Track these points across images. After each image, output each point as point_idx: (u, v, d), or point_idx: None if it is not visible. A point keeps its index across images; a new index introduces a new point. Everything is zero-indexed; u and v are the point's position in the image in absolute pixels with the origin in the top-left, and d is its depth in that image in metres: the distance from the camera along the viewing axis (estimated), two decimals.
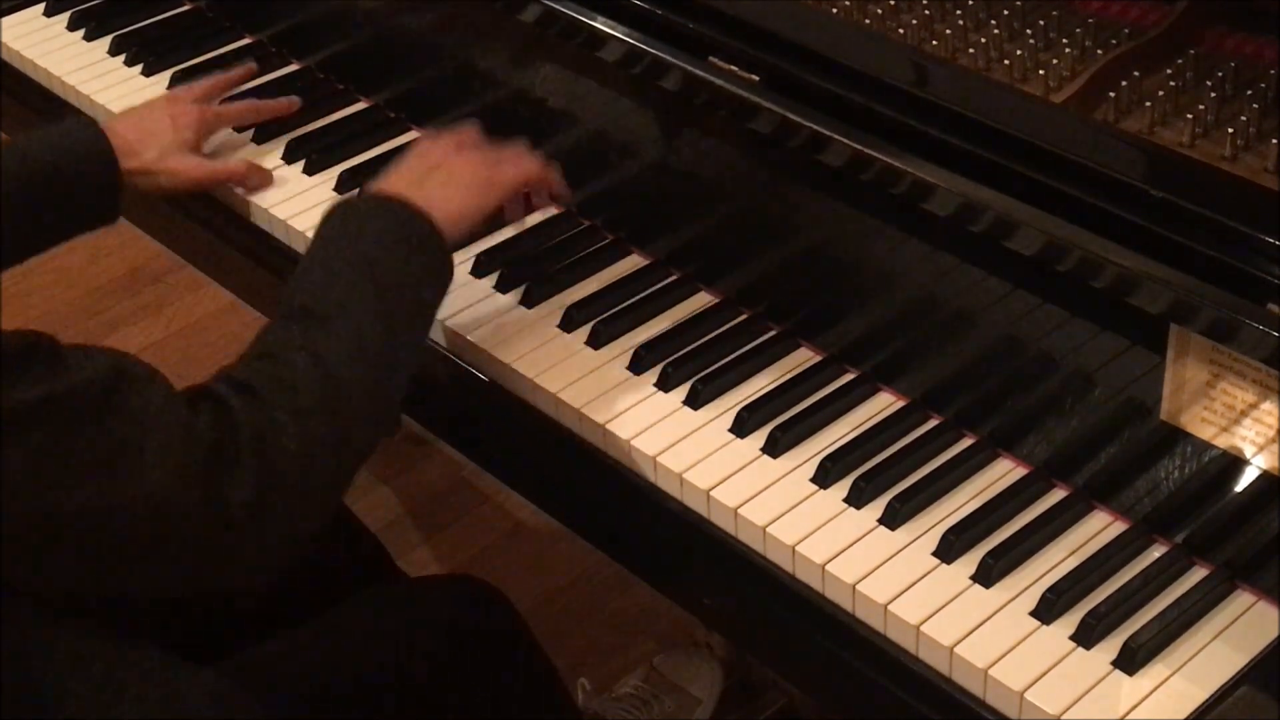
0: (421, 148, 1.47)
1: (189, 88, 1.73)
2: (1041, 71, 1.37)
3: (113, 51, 1.91)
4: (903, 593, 1.23)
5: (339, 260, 1.31)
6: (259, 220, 1.66)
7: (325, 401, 1.21)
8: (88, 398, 1.11)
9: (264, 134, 1.75)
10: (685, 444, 1.36)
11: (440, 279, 1.37)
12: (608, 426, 1.38)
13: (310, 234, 1.58)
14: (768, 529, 1.28)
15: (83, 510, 1.10)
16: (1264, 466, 1.20)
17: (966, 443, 1.35)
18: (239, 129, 1.75)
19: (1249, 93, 1.32)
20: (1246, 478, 1.21)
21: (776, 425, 1.36)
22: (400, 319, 1.30)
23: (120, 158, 1.56)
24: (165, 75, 1.85)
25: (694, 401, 1.40)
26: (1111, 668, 1.17)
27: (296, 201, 1.66)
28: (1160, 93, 1.33)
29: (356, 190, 1.46)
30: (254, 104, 1.77)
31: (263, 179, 1.69)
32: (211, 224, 1.72)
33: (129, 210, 1.62)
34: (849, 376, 1.42)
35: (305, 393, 1.20)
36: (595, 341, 1.47)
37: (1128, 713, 1.14)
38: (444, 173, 1.43)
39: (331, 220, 1.36)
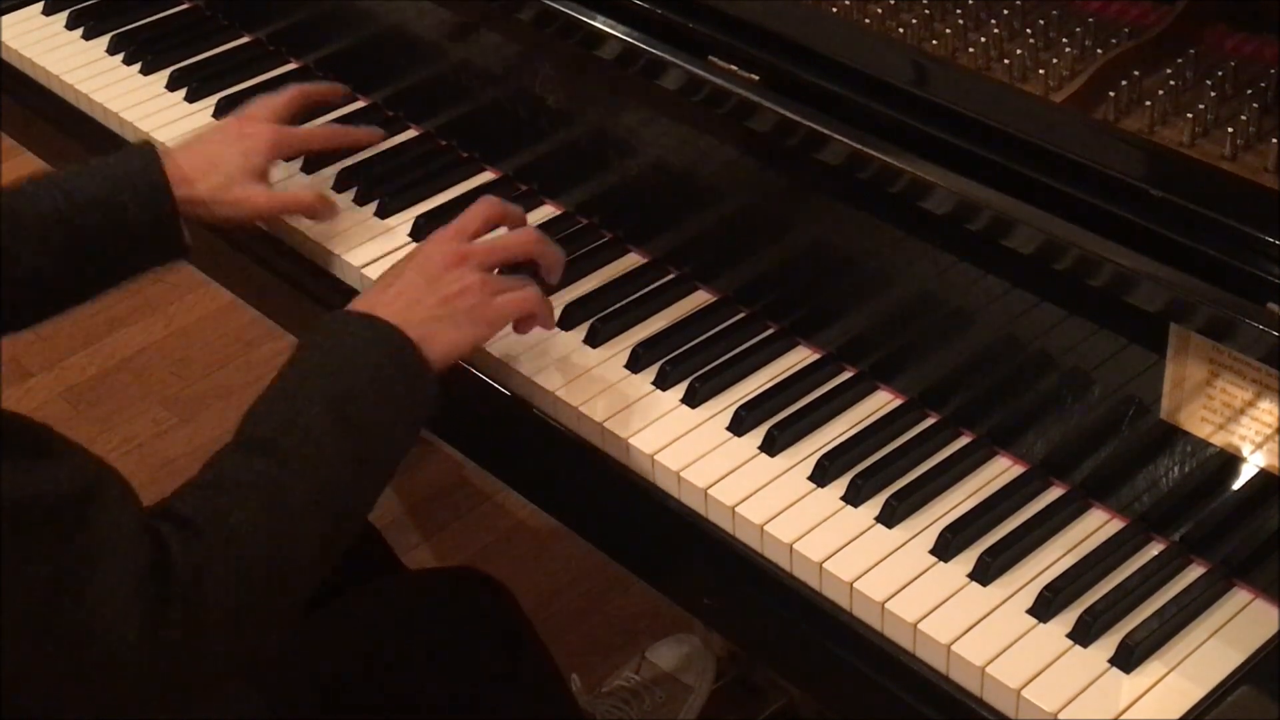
0: (423, 257, 1.37)
1: (266, 103, 1.59)
2: (1041, 71, 1.37)
3: (111, 50, 1.90)
4: (900, 590, 1.23)
5: (314, 389, 1.23)
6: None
7: (268, 546, 1.16)
8: (58, 507, 1.07)
9: None
10: (683, 442, 1.36)
11: (420, 417, 1.29)
12: (606, 425, 1.38)
13: (308, 232, 1.61)
14: (765, 527, 1.28)
15: (20, 618, 1.05)
16: (1262, 465, 1.20)
17: (964, 441, 1.35)
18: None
19: (1249, 93, 1.32)
20: (1244, 476, 1.21)
21: (774, 423, 1.36)
22: (369, 459, 1.24)
23: (175, 186, 1.45)
24: (164, 74, 1.85)
25: (692, 400, 1.40)
26: (1108, 665, 1.17)
27: None
28: (1160, 92, 1.33)
29: (350, 304, 1.36)
30: (335, 129, 1.66)
31: (331, 210, 1.59)
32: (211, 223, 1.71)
33: None
34: (847, 375, 1.42)
35: (249, 538, 1.15)
36: (593, 340, 1.47)
37: (1125, 710, 1.15)
38: (440, 295, 1.33)
39: (315, 338, 1.29)
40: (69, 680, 1.09)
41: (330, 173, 1.68)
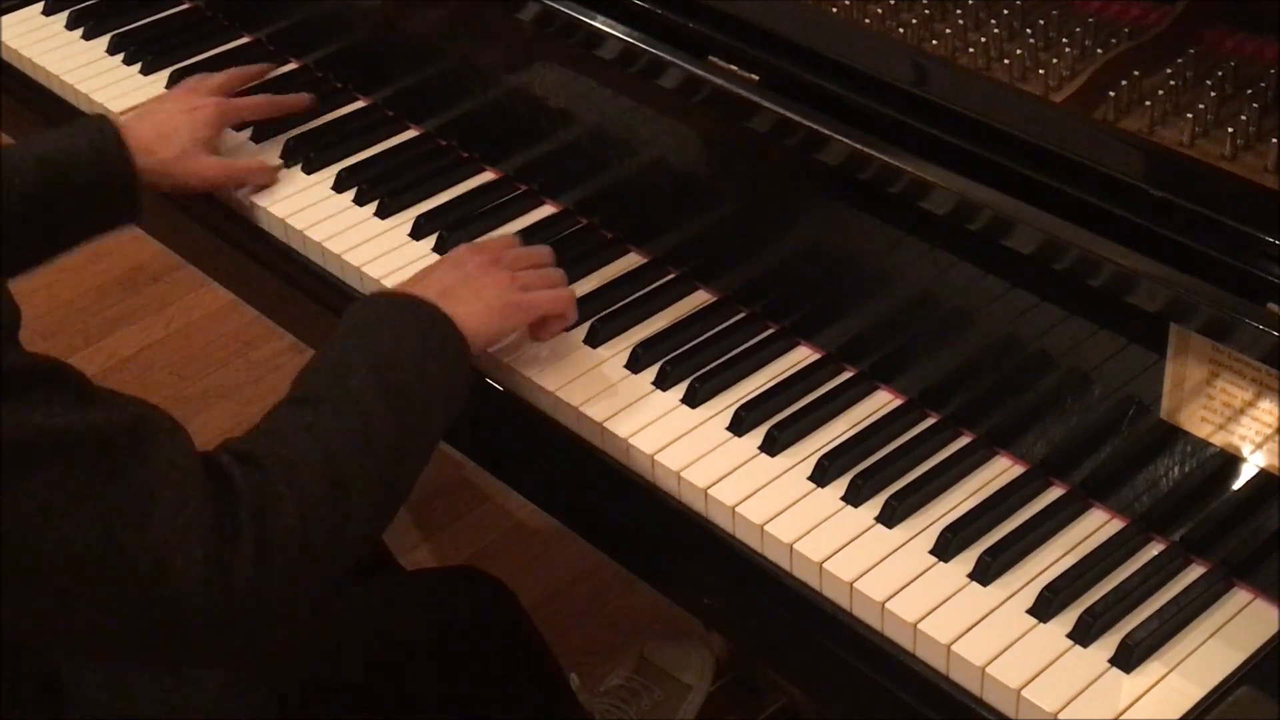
0: (456, 255, 1.45)
1: (205, 80, 1.73)
2: (1041, 71, 1.37)
3: (111, 50, 1.91)
4: (900, 590, 1.23)
5: (356, 353, 1.28)
6: (258, 220, 1.66)
7: (325, 483, 1.18)
8: (111, 439, 1.07)
9: (262, 133, 1.75)
10: (683, 442, 1.36)
11: (457, 387, 1.33)
12: (606, 425, 1.38)
13: (309, 233, 1.61)
14: (765, 527, 1.28)
15: (81, 554, 1.04)
16: (1262, 465, 1.20)
17: (964, 441, 1.35)
18: (238, 127, 1.74)
19: (1249, 92, 1.32)
20: (1244, 476, 1.21)
21: (774, 423, 1.36)
22: (411, 421, 1.27)
23: (136, 155, 1.54)
24: (164, 74, 1.85)
25: (692, 400, 1.40)
26: (1108, 665, 1.17)
27: (296, 200, 1.66)
28: (1160, 92, 1.33)
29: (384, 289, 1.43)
30: (270, 99, 1.77)
31: (272, 178, 1.68)
32: (212, 223, 1.72)
33: None
34: (847, 375, 1.42)
35: (306, 471, 1.17)
36: (593, 340, 1.47)
37: (1124, 710, 1.15)
38: (473, 287, 1.40)
39: (355, 311, 1.33)
40: (137, 622, 1.09)
41: (330, 172, 1.69)
